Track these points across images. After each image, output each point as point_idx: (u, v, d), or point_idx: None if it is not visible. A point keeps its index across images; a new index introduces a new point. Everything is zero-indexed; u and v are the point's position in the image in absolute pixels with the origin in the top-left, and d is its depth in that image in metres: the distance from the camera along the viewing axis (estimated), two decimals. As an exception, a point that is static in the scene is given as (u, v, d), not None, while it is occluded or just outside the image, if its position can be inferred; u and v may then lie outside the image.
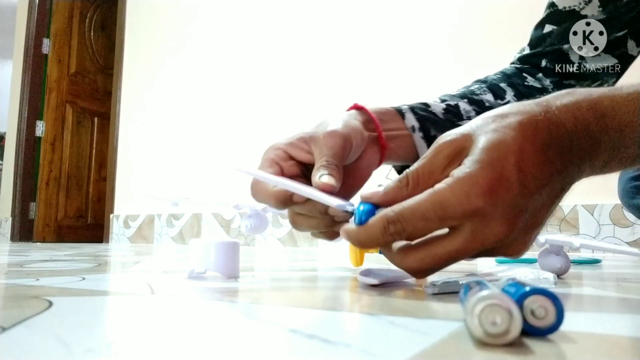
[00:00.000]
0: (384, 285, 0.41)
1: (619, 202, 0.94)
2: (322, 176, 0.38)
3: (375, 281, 0.40)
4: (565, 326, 0.21)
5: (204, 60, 2.29)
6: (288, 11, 2.07)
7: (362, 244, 0.32)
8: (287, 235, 1.89)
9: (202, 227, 2.13)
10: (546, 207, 0.31)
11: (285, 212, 0.42)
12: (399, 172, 0.53)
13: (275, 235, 1.92)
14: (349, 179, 0.42)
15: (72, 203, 3.18)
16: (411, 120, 0.49)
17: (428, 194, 0.30)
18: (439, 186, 0.30)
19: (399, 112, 0.50)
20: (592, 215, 1.33)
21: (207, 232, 2.11)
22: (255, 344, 0.21)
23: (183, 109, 2.33)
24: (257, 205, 0.62)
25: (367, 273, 0.43)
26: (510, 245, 0.31)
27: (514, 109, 0.32)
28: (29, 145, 3.00)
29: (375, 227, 0.31)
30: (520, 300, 0.20)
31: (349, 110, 0.48)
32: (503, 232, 0.29)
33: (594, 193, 1.32)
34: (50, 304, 0.30)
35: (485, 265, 0.79)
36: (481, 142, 0.30)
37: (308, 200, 0.38)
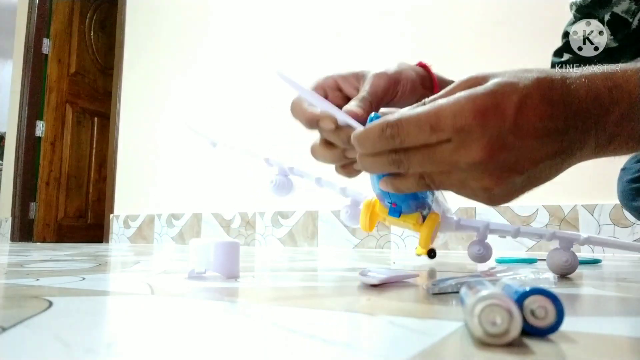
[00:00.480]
0: (384, 285, 0.41)
1: (619, 202, 0.94)
2: (351, 103, 0.40)
3: (375, 281, 0.40)
4: (565, 326, 0.21)
5: (204, 60, 2.29)
6: (290, 10, 2.07)
7: (361, 142, 0.33)
8: (287, 235, 1.89)
9: (202, 227, 2.13)
10: (535, 160, 0.31)
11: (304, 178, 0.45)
12: None
13: (275, 235, 1.92)
14: None
15: (72, 203, 3.18)
16: None
17: (428, 105, 0.31)
18: (440, 100, 0.31)
19: None
20: (592, 215, 1.33)
21: (207, 232, 2.11)
22: (255, 344, 0.21)
23: (183, 108, 2.33)
24: (285, 165, 0.63)
25: (367, 273, 0.43)
26: (483, 176, 0.32)
27: (538, 69, 0.33)
28: (29, 145, 3.00)
29: (374, 127, 0.33)
30: (520, 300, 0.20)
31: (416, 65, 0.49)
32: (480, 155, 0.30)
33: (594, 193, 1.32)
34: (50, 304, 0.30)
35: (485, 265, 0.79)
36: (497, 78, 0.31)
37: (336, 129, 0.40)
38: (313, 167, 0.55)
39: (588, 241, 0.51)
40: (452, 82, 0.51)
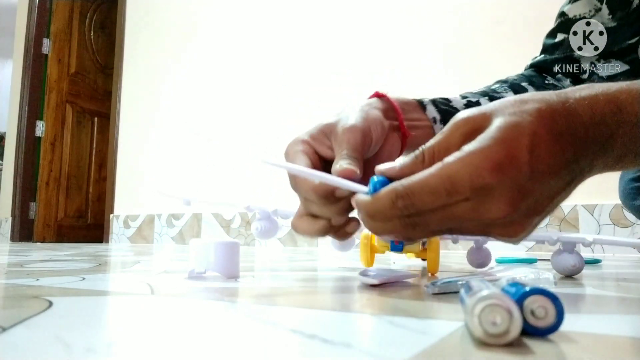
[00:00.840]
0: (384, 285, 0.41)
1: (619, 202, 0.94)
2: (342, 164, 0.37)
3: (375, 281, 0.40)
4: (565, 326, 0.21)
5: (204, 60, 2.29)
6: (290, 11, 2.07)
7: (370, 214, 0.32)
8: (287, 235, 1.89)
9: (202, 227, 2.13)
10: (552, 196, 0.31)
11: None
12: None
13: (275, 235, 1.91)
14: (370, 170, 0.40)
15: (72, 203, 3.18)
16: (432, 112, 0.49)
17: (437, 168, 0.30)
18: (448, 159, 0.29)
19: (420, 104, 0.50)
20: (592, 215, 1.33)
21: (207, 232, 2.11)
22: (255, 344, 0.21)
23: (183, 108, 2.33)
24: (268, 208, 0.62)
25: (367, 273, 0.43)
26: (508, 226, 0.31)
27: (534, 97, 0.31)
28: (29, 145, 3.00)
29: (383, 199, 0.31)
30: (520, 300, 0.20)
31: (370, 98, 0.47)
32: (504, 210, 0.29)
33: (594, 193, 1.32)
34: (50, 304, 0.30)
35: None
36: (498, 121, 0.30)
37: (337, 199, 0.37)
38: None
39: (595, 242, 0.51)
40: (409, 101, 0.49)
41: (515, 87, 0.57)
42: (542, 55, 0.64)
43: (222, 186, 2.12)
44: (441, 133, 0.32)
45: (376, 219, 0.31)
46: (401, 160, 0.33)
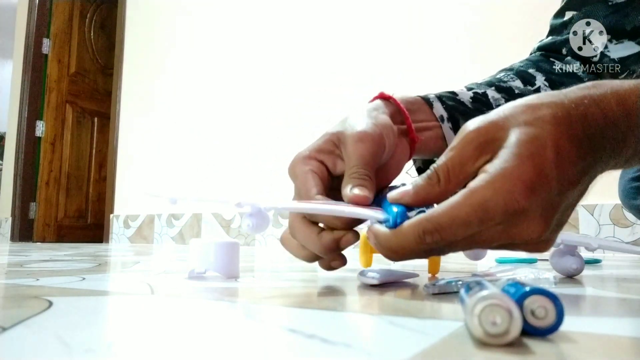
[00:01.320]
0: (384, 285, 0.41)
1: (619, 202, 0.94)
2: (353, 188, 0.34)
3: (375, 281, 0.40)
4: (565, 326, 0.21)
5: (204, 60, 2.29)
6: (291, 9, 2.07)
7: (394, 251, 0.29)
8: (287, 235, 1.89)
9: (202, 227, 2.13)
10: (573, 204, 0.30)
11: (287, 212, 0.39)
12: (419, 168, 0.51)
13: (275, 235, 1.91)
14: (378, 179, 0.38)
15: (72, 203, 3.18)
16: (439, 109, 0.47)
17: (465, 196, 0.27)
18: (475, 184, 0.27)
19: (427, 102, 0.47)
20: (592, 215, 1.33)
21: (207, 232, 2.11)
22: (255, 344, 0.21)
23: (183, 108, 2.33)
24: (259, 203, 0.61)
25: (366, 273, 0.43)
26: (539, 244, 0.29)
27: (545, 100, 0.30)
28: (29, 145, 3.00)
29: (409, 235, 0.28)
30: (520, 300, 0.20)
31: (373, 100, 0.44)
32: (539, 231, 0.28)
33: (594, 193, 1.30)
34: (50, 304, 0.30)
35: (485, 265, 0.79)
36: (516, 134, 0.28)
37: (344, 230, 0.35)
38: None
39: (600, 247, 0.50)
40: (415, 99, 0.46)
41: (522, 74, 0.54)
42: (550, 37, 0.60)
43: (217, 184, 2.12)
44: (451, 149, 0.30)
45: (400, 254, 0.30)
46: (414, 183, 0.31)
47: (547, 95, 0.31)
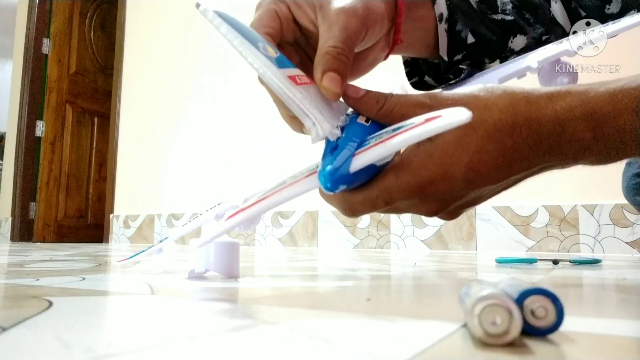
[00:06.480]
0: (384, 286, 0.41)
1: (619, 202, 0.94)
2: (326, 74, 0.32)
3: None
4: (565, 326, 0.21)
5: (204, 60, 2.29)
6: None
7: (325, 197, 0.33)
8: (287, 235, 1.89)
9: (202, 227, 2.13)
10: (491, 194, 0.32)
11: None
12: (406, 66, 0.51)
13: (275, 235, 1.91)
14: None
15: (72, 203, 3.18)
16: (441, 6, 0.44)
17: (377, 182, 0.31)
18: (387, 172, 0.31)
19: None
20: (592, 215, 1.33)
21: (207, 232, 2.11)
22: (255, 344, 0.21)
23: (183, 108, 2.33)
24: (238, 202, 0.60)
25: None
26: (442, 216, 0.34)
27: (500, 103, 0.29)
28: (29, 145, 3.00)
29: (335, 204, 0.33)
30: (520, 300, 0.20)
31: None
32: (435, 209, 0.32)
33: (594, 193, 1.31)
34: (50, 304, 0.30)
35: (485, 265, 0.79)
36: (454, 131, 0.28)
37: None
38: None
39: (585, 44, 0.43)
40: None
41: None
42: None
43: (217, 184, 2.12)
44: (407, 97, 0.31)
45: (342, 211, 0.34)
46: (364, 92, 0.32)
47: (508, 95, 0.30)
